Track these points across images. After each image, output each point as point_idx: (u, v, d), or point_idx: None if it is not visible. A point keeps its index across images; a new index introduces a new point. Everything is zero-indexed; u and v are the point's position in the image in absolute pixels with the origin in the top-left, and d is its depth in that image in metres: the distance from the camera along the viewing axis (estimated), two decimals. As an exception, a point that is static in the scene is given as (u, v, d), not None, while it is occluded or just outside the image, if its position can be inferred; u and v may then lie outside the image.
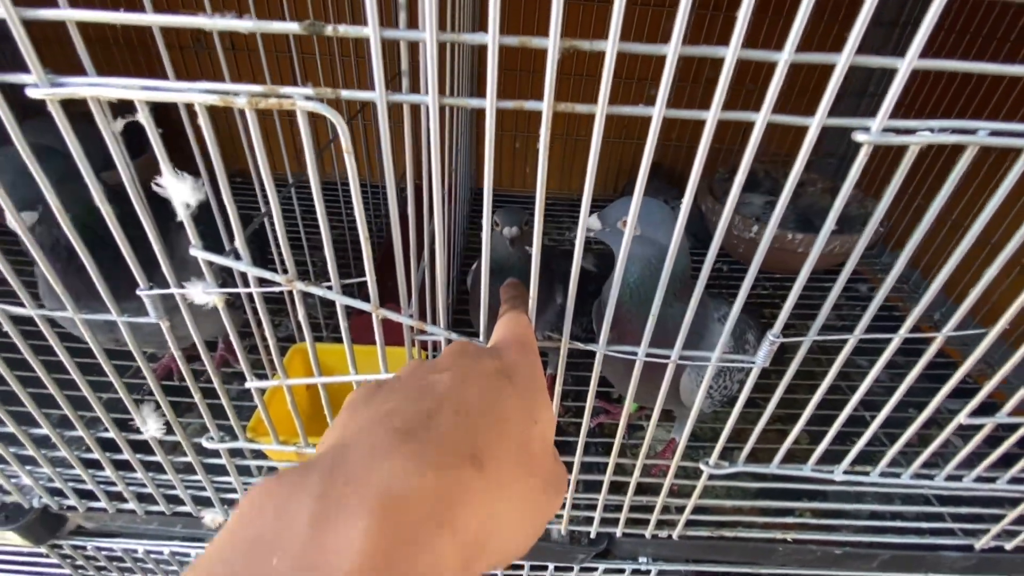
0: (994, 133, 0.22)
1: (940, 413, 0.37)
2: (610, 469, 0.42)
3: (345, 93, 0.21)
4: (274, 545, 0.13)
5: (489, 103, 0.22)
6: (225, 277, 0.31)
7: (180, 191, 0.24)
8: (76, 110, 0.22)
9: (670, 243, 0.26)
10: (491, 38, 0.20)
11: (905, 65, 0.20)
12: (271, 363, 0.36)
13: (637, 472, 0.42)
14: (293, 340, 0.63)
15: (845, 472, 0.41)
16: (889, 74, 0.20)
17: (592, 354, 0.33)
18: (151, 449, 0.41)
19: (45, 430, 0.40)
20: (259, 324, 0.33)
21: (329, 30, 0.20)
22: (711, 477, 0.41)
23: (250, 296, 0.31)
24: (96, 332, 0.33)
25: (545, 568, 0.54)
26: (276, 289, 0.29)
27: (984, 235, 0.25)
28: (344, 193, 0.41)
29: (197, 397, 0.36)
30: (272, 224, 0.48)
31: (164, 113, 0.23)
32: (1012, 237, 0.26)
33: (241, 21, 0.20)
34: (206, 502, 0.48)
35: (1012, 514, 0.45)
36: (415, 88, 0.23)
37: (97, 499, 0.48)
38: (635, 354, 0.32)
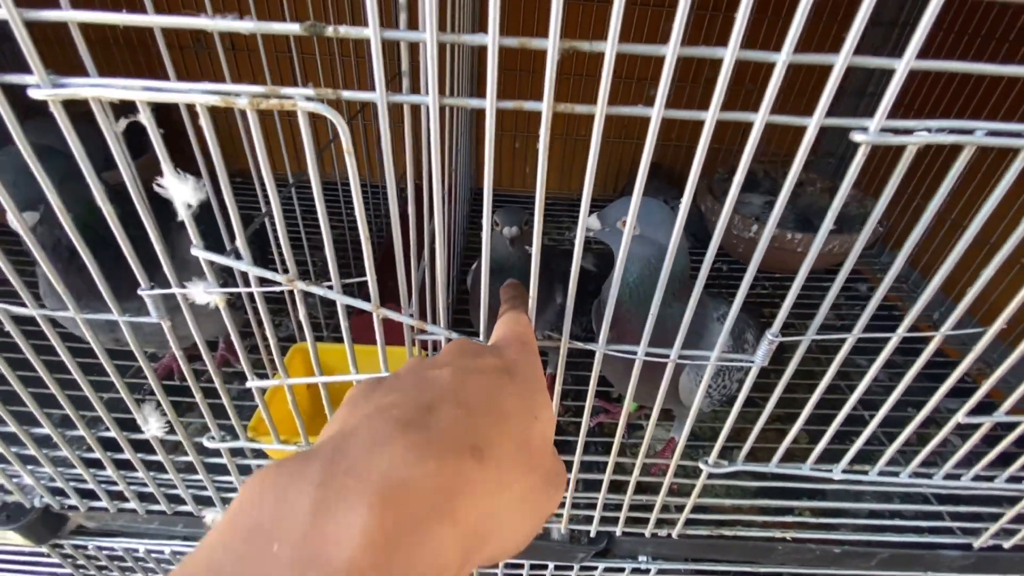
0: (991, 133, 0.22)
1: (939, 412, 0.37)
2: (610, 468, 0.42)
3: (346, 94, 0.22)
4: (274, 532, 0.13)
5: (489, 103, 0.22)
6: (226, 277, 0.31)
7: (182, 191, 0.24)
8: (76, 110, 0.22)
9: (669, 243, 0.26)
10: (491, 39, 0.20)
11: (902, 66, 0.20)
12: (272, 363, 0.36)
13: (637, 471, 0.42)
14: (294, 340, 0.63)
15: (844, 471, 0.41)
16: (888, 74, 0.20)
17: (592, 353, 0.33)
18: (152, 448, 0.41)
19: (46, 430, 0.40)
20: (260, 324, 0.33)
21: (330, 31, 0.20)
22: (710, 476, 0.41)
23: (251, 296, 0.31)
24: (97, 332, 0.33)
25: (545, 567, 0.54)
26: (277, 289, 0.29)
27: (983, 235, 0.25)
28: (344, 193, 0.41)
29: (198, 397, 0.36)
30: (273, 224, 0.48)
31: (164, 114, 0.23)
32: (1010, 236, 0.26)
33: (242, 22, 0.20)
34: (207, 501, 0.48)
35: (1010, 513, 0.45)
36: (415, 88, 0.23)
37: (98, 498, 0.48)
38: (634, 353, 0.32)
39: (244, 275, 0.30)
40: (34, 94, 0.21)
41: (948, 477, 0.42)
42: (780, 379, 0.34)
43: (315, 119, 0.23)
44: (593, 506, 0.48)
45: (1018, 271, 0.65)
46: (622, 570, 0.54)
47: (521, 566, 0.55)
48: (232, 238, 0.28)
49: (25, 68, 0.21)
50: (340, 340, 0.37)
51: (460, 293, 0.75)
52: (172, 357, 0.65)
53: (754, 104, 0.21)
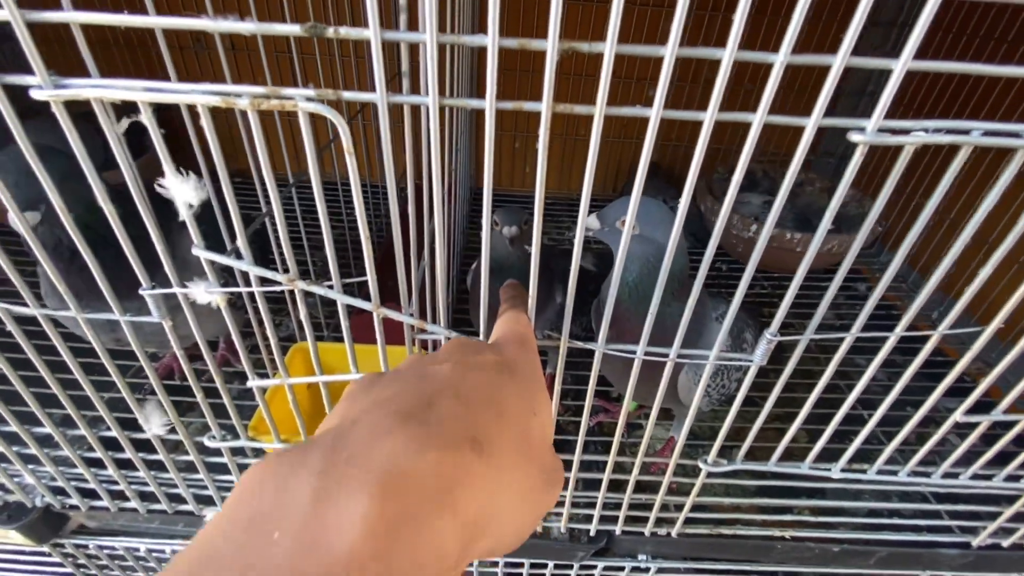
0: (988, 133, 0.22)
1: (938, 412, 0.37)
2: (609, 467, 0.42)
3: (346, 94, 0.22)
4: (275, 521, 0.13)
5: (489, 104, 0.22)
6: (227, 277, 0.31)
7: (183, 191, 0.24)
8: (75, 110, 0.22)
9: (668, 242, 0.26)
10: (491, 40, 0.20)
11: (899, 66, 0.20)
12: (272, 362, 0.36)
13: (636, 470, 0.42)
14: (294, 339, 0.63)
15: (843, 470, 0.41)
16: (886, 74, 0.20)
17: (591, 353, 0.33)
18: (153, 448, 0.41)
19: (48, 429, 0.40)
20: (260, 323, 0.33)
21: (330, 32, 0.20)
22: (710, 475, 0.41)
23: (251, 295, 0.31)
24: (98, 331, 0.33)
25: (545, 566, 0.55)
26: (277, 288, 0.29)
27: (982, 234, 0.25)
28: (344, 193, 0.41)
29: (199, 396, 0.37)
30: (273, 224, 0.49)
31: (164, 114, 0.23)
32: (1008, 235, 0.26)
33: (243, 23, 0.20)
34: (208, 501, 0.49)
35: (1009, 511, 0.46)
36: (415, 89, 0.24)
37: (99, 498, 0.48)
38: (634, 352, 0.32)
39: (245, 275, 0.30)
40: (36, 95, 0.21)
41: (946, 476, 0.42)
42: (779, 378, 0.34)
43: (315, 119, 0.23)
44: (593, 505, 0.48)
45: (1016, 270, 0.65)
46: (622, 569, 0.54)
47: (521, 565, 0.55)
48: (233, 238, 0.29)
49: (24, 67, 0.21)
50: (340, 340, 0.37)
51: (460, 293, 0.75)
52: (172, 357, 0.65)
53: (753, 104, 0.21)
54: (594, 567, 0.54)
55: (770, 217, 0.25)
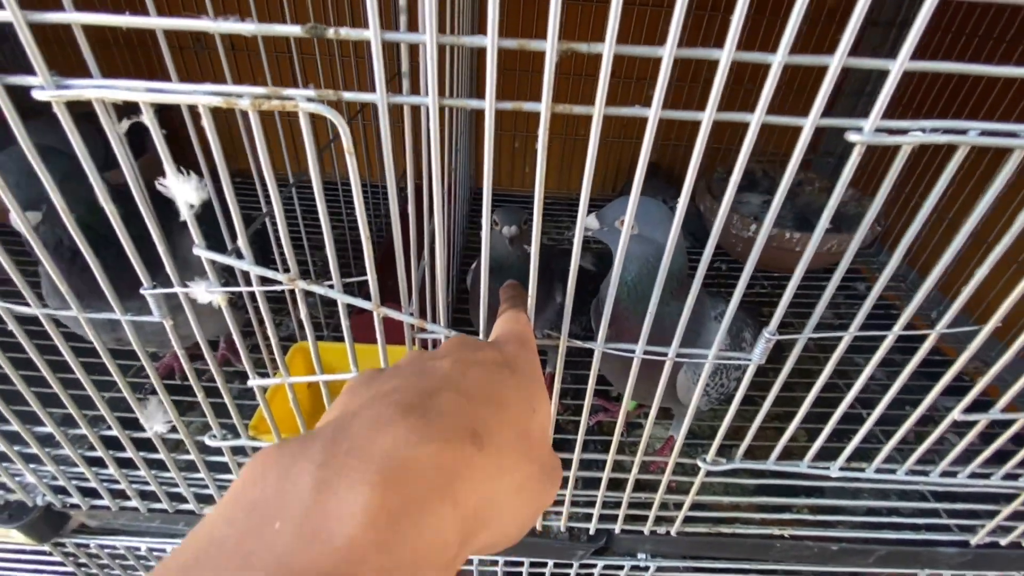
0: (985, 133, 0.22)
1: (936, 410, 0.38)
2: (609, 466, 0.42)
3: (347, 95, 0.22)
4: (276, 509, 0.13)
5: (488, 104, 0.22)
6: (227, 276, 0.31)
7: (184, 191, 0.25)
8: (76, 111, 0.22)
9: (667, 242, 0.26)
10: (490, 41, 0.20)
11: (897, 67, 0.20)
12: (273, 361, 0.37)
13: (635, 469, 0.42)
14: (294, 339, 0.63)
15: (841, 468, 0.41)
16: (884, 74, 0.21)
17: (591, 352, 0.33)
18: (154, 447, 0.42)
19: (49, 428, 0.40)
20: (261, 323, 0.33)
21: (331, 33, 0.20)
22: (709, 474, 0.42)
23: (252, 295, 0.31)
24: (99, 331, 0.34)
25: (544, 564, 0.55)
26: (278, 288, 0.29)
27: (982, 234, 0.25)
28: (344, 193, 0.41)
29: (200, 396, 0.37)
30: (274, 224, 0.49)
31: (164, 114, 0.23)
32: (1005, 235, 0.26)
33: (244, 24, 0.20)
34: (209, 500, 0.49)
35: (1007, 510, 0.46)
36: (415, 89, 0.24)
37: (100, 497, 0.48)
38: (633, 352, 0.33)
39: (245, 274, 0.30)
40: (38, 95, 0.21)
41: (944, 474, 0.42)
42: (778, 377, 0.34)
43: (315, 119, 0.23)
44: (592, 504, 0.48)
45: (1015, 270, 0.65)
46: (621, 567, 0.54)
47: (521, 563, 0.55)
48: (233, 238, 0.29)
49: (24, 67, 0.21)
50: (340, 339, 0.37)
51: (460, 292, 0.75)
52: (173, 356, 0.65)
53: (752, 104, 0.21)
54: (593, 566, 0.54)
55: (768, 216, 0.25)
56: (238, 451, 0.44)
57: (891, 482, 0.43)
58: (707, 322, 0.46)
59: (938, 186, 0.24)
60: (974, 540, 0.50)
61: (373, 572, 0.12)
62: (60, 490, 0.49)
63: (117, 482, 0.46)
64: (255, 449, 0.44)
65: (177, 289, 0.29)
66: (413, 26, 0.21)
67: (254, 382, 0.36)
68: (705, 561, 0.55)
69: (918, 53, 0.20)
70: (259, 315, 0.33)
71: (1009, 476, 0.42)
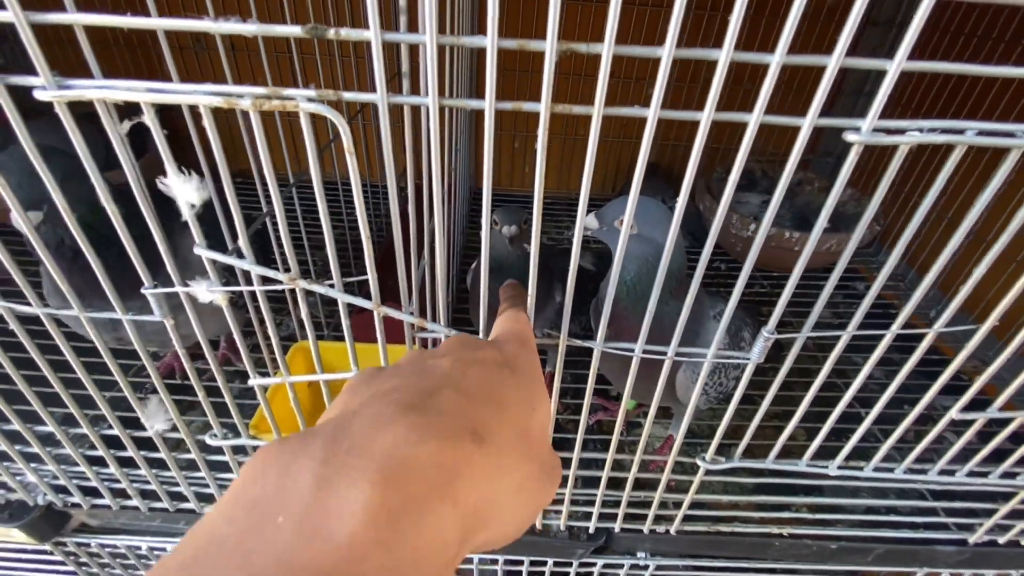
0: (982, 133, 0.22)
1: (935, 410, 0.38)
2: (608, 464, 0.43)
3: (347, 95, 0.22)
4: (277, 507, 0.13)
5: (488, 105, 0.22)
6: (228, 276, 0.31)
7: (185, 190, 0.25)
8: (77, 111, 0.22)
9: (667, 241, 0.27)
10: (490, 42, 0.20)
11: (894, 67, 0.20)
12: (273, 361, 0.37)
13: (635, 468, 0.43)
14: (294, 339, 0.64)
15: (840, 467, 0.42)
16: (883, 74, 0.21)
17: (590, 351, 0.34)
18: (155, 446, 0.42)
19: (50, 428, 0.40)
20: (262, 322, 0.33)
21: (331, 34, 0.20)
22: (708, 472, 0.42)
23: (253, 294, 0.31)
24: (100, 331, 0.34)
25: (544, 563, 0.55)
26: (279, 287, 0.29)
27: (981, 233, 0.26)
28: (345, 192, 0.41)
29: (201, 395, 0.37)
30: (274, 223, 0.49)
31: (164, 114, 0.23)
32: (1002, 234, 0.26)
33: (245, 25, 0.20)
34: (209, 499, 0.49)
35: (1005, 508, 0.46)
36: (415, 89, 0.24)
37: (101, 496, 0.48)
38: (632, 351, 0.33)
39: (246, 274, 0.30)
40: (40, 95, 0.22)
41: (943, 473, 0.42)
42: (777, 376, 0.34)
43: (315, 119, 0.23)
44: (592, 502, 0.48)
45: (1013, 269, 0.66)
46: (620, 566, 0.55)
47: (521, 562, 0.55)
48: (234, 237, 0.29)
49: (23, 67, 0.21)
50: (341, 339, 0.37)
51: (460, 292, 0.76)
52: (173, 356, 0.65)
53: (752, 103, 0.21)
54: (593, 564, 0.54)
55: (767, 216, 0.25)
56: (239, 450, 0.44)
57: (889, 481, 0.43)
58: (706, 321, 0.46)
59: (936, 185, 0.24)
60: (972, 538, 0.50)
61: (374, 570, 0.13)
62: (61, 489, 0.49)
63: (118, 481, 0.47)
64: (256, 448, 0.44)
65: (178, 288, 0.29)
66: (413, 26, 0.21)
67: (255, 381, 0.36)
68: (704, 560, 0.56)
69: (916, 53, 0.20)
70: (260, 314, 0.33)
71: (1007, 474, 0.42)
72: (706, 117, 0.22)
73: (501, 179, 1.11)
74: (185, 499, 0.48)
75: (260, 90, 0.22)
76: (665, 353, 0.32)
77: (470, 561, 0.58)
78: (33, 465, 0.46)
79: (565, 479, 0.45)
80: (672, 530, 0.50)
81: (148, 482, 0.47)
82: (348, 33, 0.21)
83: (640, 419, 0.66)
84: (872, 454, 0.42)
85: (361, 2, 0.20)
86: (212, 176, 0.28)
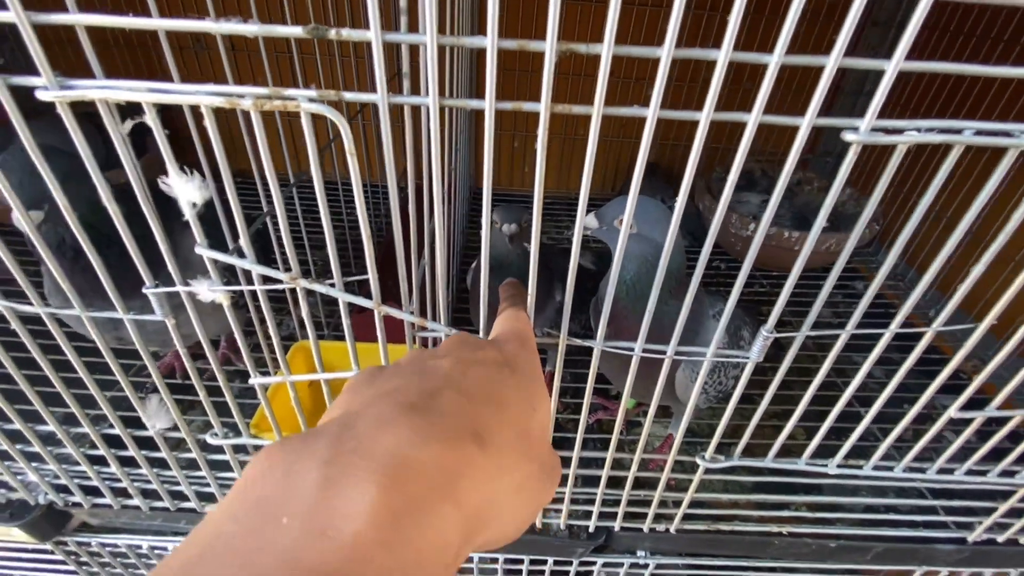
0: (980, 132, 0.22)
1: (934, 408, 0.38)
2: (608, 463, 0.43)
3: (348, 95, 0.22)
4: (282, 506, 0.13)
5: (488, 105, 0.22)
6: (228, 276, 0.32)
7: (187, 190, 0.25)
8: (77, 110, 0.22)
9: (666, 241, 0.27)
10: (490, 42, 0.20)
11: (892, 67, 0.20)
12: (274, 360, 0.37)
13: (635, 466, 0.43)
14: (294, 339, 0.64)
15: (839, 466, 0.42)
16: (882, 74, 0.21)
17: (590, 351, 0.34)
18: (156, 445, 0.42)
19: (51, 427, 0.40)
20: (262, 321, 0.34)
21: (332, 34, 0.21)
22: (707, 471, 0.42)
23: (254, 294, 0.31)
24: (101, 330, 0.34)
25: (544, 562, 0.55)
26: (280, 286, 0.29)
27: (981, 233, 0.26)
28: (345, 192, 0.41)
29: (202, 394, 0.37)
30: (275, 223, 0.49)
31: (164, 114, 0.24)
32: (1000, 233, 0.26)
33: (246, 25, 0.21)
34: (210, 498, 0.49)
35: (1003, 507, 0.46)
36: (415, 89, 0.24)
37: (102, 495, 0.48)
38: (632, 350, 0.33)
39: (247, 273, 0.30)
40: (42, 96, 0.22)
41: (942, 471, 0.43)
42: (776, 375, 0.34)
43: (315, 119, 0.23)
44: (592, 501, 0.48)
45: (1012, 268, 0.66)
46: (620, 565, 0.55)
47: (521, 561, 0.55)
48: (235, 237, 0.29)
49: (23, 67, 0.21)
50: (341, 338, 0.37)
51: (460, 292, 0.76)
52: (174, 355, 0.65)
53: (751, 103, 0.21)
54: (593, 563, 0.55)
55: (766, 215, 0.25)
56: (239, 449, 0.44)
57: (888, 479, 0.43)
58: (705, 320, 0.46)
59: (934, 185, 0.24)
60: (971, 537, 0.50)
61: (377, 571, 0.13)
62: (62, 488, 0.49)
63: (119, 480, 0.47)
64: (256, 447, 0.45)
65: (179, 288, 0.29)
66: (413, 27, 0.21)
67: (255, 380, 0.36)
68: (704, 558, 0.56)
69: (914, 53, 0.20)
70: (260, 314, 0.33)
71: (1005, 473, 0.43)
72: (705, 117, 0.22)
73: (501, 179, 1.11)
74: (186, 498, 0.49)
75: (261, 90, 0.22)
76: (665, 352, 0.33)
77: (470, 560, 0.58)
78: (34, 464, 0.46)
79: (565, 478, 0.45)
80: (672, 529, 0.50)
81: (149, 481, 0.47)
82: (349, 33, 0.21)
83: (640, 418, 0.66)
84: (871, 453, 0.42)
85: (361, 2, 0.20)
86: (212, 176, 0.28)
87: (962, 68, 0.21)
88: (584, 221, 0.27)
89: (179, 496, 0.49)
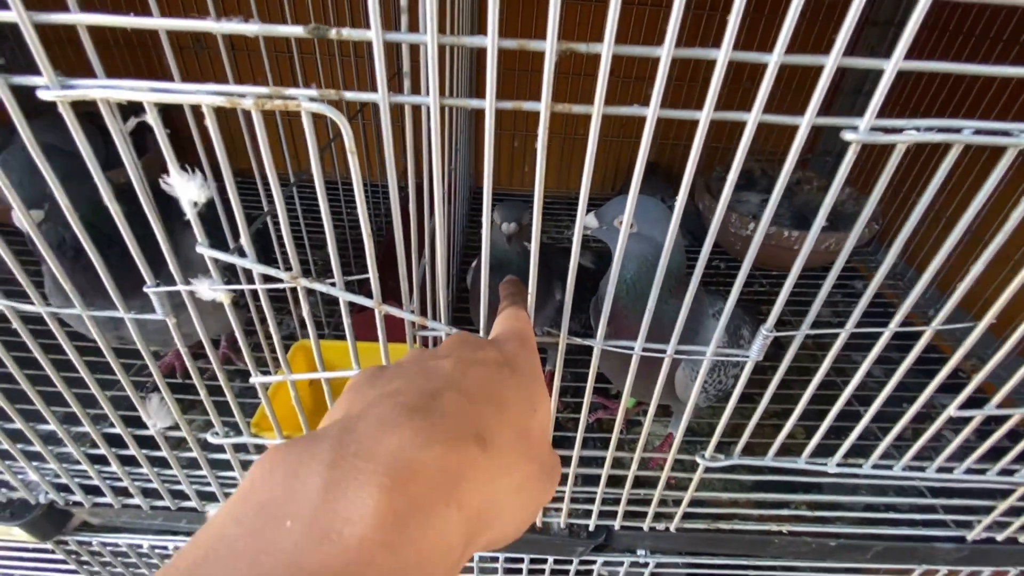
0: (978, 132, 0.22)
1: (933, 407, 0.38)
2: (608, 462, 0.43)
3: (348, 95, 0.22)
4: (285, 509, 0.13)
5: (488, 104, 0.22)
6: (229, 275, 0.32)
7: (188, 189, 0.25)
8: (76, 110, 0.22)
9: (666, 240, 0.27)
10: (490, 42, 0.20)
11: (891, 66, 0.20)
12: (275, 359, 0.37)
13: (635, 465, 0.43)
14: (295, 338, 0.64)
15: (839, 464, 0.42)
16: (881, 73, 0.21)
17: (590, 350, 0.34)
18: (156, 445, 0.42)
19: (52, 426, 0.40)
20: (263, 321, 0.34)
21: (332, 34, 0.21)
22: (707, 470, 0.42)
23: (254, 293, 0.31)
24: (102, 329, 0.34)
25: (544, 561, 0.55)
26: (280, 285, 0.29)
27: (980, 232, 0.26)
28: (345, 192, 0.41)
29: (202, 393, 0.37)
30: (276, 223, 0.49)
31: (165, 114, 0.24)
32: (999, 232, 0.27)
33: (247, 25, 0.21)
34: (211, 497, 0.49)
35: (1003, 505, 0.46)
36: (416, 89, 0.24)
37: (103, 494, 0.49)
38: (632, 349, 0.33)
39: (248, 272, 0.30)
40: (43, 95, 0.22)
41: (941, 470, 0.43)
42: (776, 374, 0.34)
43: (316, 118, 0.23)
44: (592, 500, 0.49)
45: (1011, 267, 0.66)
46: (621, 564, 0.55)
47: (521, 560, 0.55)
48: (236, 236, 0.29)
49: (22, 67, 0.21)
50: (341, 338, 0.37)
51: (459, 292, 0.76)
52: (175, 355, 0.65)
53: (751, 102, 0.21)
54: (593, 562, 0.55)
55: (765, 215, 0.25)
56: (240, 448, 0.44)
57: (888, 478, 0.43)
58: (705, 319, 0.46)
59: (933, 184, 0.24)
60: (970, 536, 0.50)
61: (379, 573, 0.13)
62: (63, 487, 0.49)
63: (120, 479, 0.47)
64: (257, 446, 0.45)
65: (180, 287, 0.30)
66: (414, 26, 0.21)
67: (256, 379, 0.36)
68: (704, 557, 0.56)
69: (913, 53, 0.20)
70: (261, 313, 0.33)
71: (1005, 472, 0.43)
72: (705, 116, 0.22)
73: (501, 178, 1.11)
74: (187, 497, 0.49)
75: (262, 90, 0.22)
76: (665, 351, 0.33)
77: (470, 559, 0.58)
78: (35, 463, 0.46)
79: (565, 477, 0.45)
80: (672, 528, 0.50)
81: (150, 480, 0.47)
82: (350, 33, 0.21)
83: (640, 417, 0.66)
84: (871, 452, 0.42)
85: (361, 2, 0.20)
86: (213, 175, 0.28)
87: (961, 67, 0.21)
88: (584, 221, 0.27)
89: (180, 495, 0.49)
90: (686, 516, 0.49)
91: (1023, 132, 0.22)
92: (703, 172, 0.94)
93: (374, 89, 0.22)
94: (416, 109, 0.24)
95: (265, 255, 0.61)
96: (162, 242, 0.28)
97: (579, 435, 0.40)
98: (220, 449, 0.42)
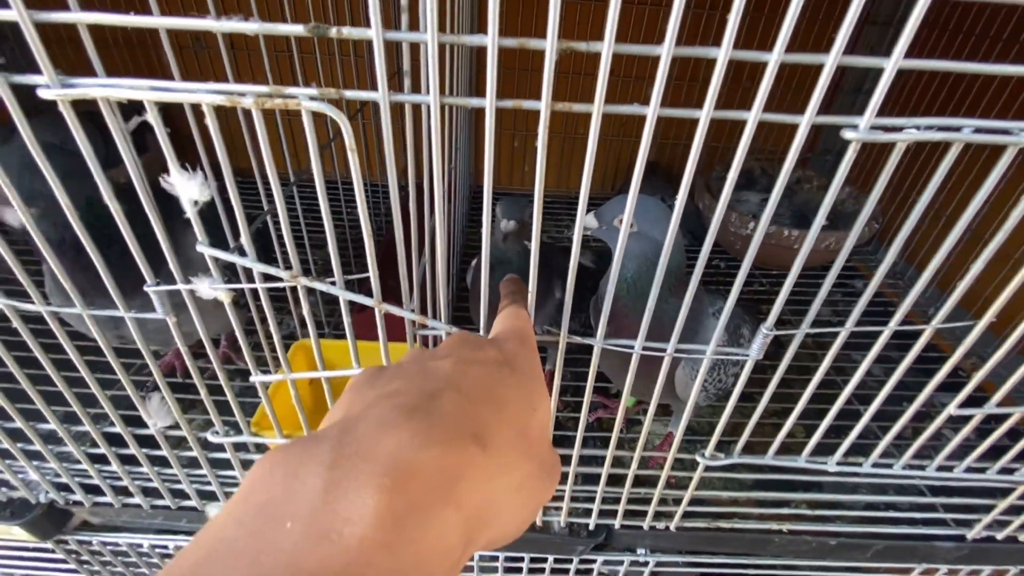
0: (978, 130, 0.22)
1: (933, 406, 0.38)
2: (608, 461, 0.43)
3: (349, 94, 0.22)
4: (286, 509, 0.13)
5: (489, 103, 0.22)
6: (229, 275, 0.32)
7: (188, 188, 0.25)
8: (76, 109, 0.22)
9: (666, 239, 0.27)
10: (491, 41, 0.20)
11: (891, 65, 0.20)
12: (275, 359, 0.37)
13: (635, 464, 0.43)
14: (295, 338, 0.64)
15: (839, 463, 0.42)
16: (881, 72, 0.21)
17: (590, 349, 0.34)
18: (157, 444, 0.42)
19: (52, 426, 0.40)
20: (263, 320, 0.34)
21: (333, 32, 0.21)
22: (707, 469, 0.42)
23: (254, 292, 0.31)
24: (102, 329, 0.34)
25: (545, 560, 0.55)
26: (281, 284, 0.29)
27: (980, 231, 0.26)
28: (345, 191, 0.41)
29: (203, 392, 0.37)
30: (276, 222, 0.49)
31: (164, 113, 0.24)
32: (999, 231, 0.27)
33: (247, 24, 0.21)
34: (211, 496, 0.49)
35: (1003, 504, 0.46)
36: (416, 88, 0.24)
37: (103, 494, 0.49)
38: (632, 348, 0.33)
39: (248, 272, 0.30)
40: (44, 94, 0.22)
41: (941, 469, 0.43)
42: (776, 373, 0.34)
43: (316, 117, 0.23)
44: (592, 499, 0.49)
45: (1011, 265, 0.66)
46: (621, 563, 0.55)
47: (521, 559, 0.55)
48: (236, 236, 0.29)
49: (21, 66, 0.21)
50: (341, 337, 0.37)
51: (459, 291, 0.76)
52: (175, 354, 0.65)
53: (751, 101, 0.21)
54: (593, 561, 0.55)
55: (765, 214, 0.25)
56: (240, 447, 0.44)
57: (888, 476, 0.43)
58: (705, 319, 0.46)
59: (933, 183, 0.24)
60: (970, 534, 0.50)
61: (379, 574, 0.13)
62: (63, 487, 0.49)
63: (120, 479, 0.47)
64: (257, 445, 0.45)
65: (180, 286, 0.30)
66: (414, 25, 0.21)
67: (256, 378, 0.36)
68: (704, 556, 0.56)
69: (914, 51, 0.20)
70: (261, 312, 0.33)
71: (1005, 470, 0.43)
72: (705, 115, 0.22)
73: (501, 178, 1.11)
74: (187, 496, 0.49)
75: (263, 89, 0.22)
76: (665, 350, 0.33)
77: (470, 558, 0.58)
78: (35, 463, 0.46)
79: (565, 476, 0.45)
80: (672, 526, 0.50)
81: (150, 479, 0.47)
82: (350, 32, 0.21)
83: (640, 416, 0.66)
84: (871, 450, 0.42)
85: (361, 1, 0.20)
86: (213, 174, 0.28)
87: (961, 66, 0.21)
88: (584, 220, 0.27)
89: (180, 494, 0.49)
90: (686, 515, 0.49)
91: (1023, 131, 0.22)
92: (703, 171, 0.94)
93: (374, 88, 0.22)
94: (416, 108, 0.24)
95: (265, 254, 0.61)
96: (162, 241, 0.28)
97: (579, 434, 0.40)
98: (220, 448, 0.42)
